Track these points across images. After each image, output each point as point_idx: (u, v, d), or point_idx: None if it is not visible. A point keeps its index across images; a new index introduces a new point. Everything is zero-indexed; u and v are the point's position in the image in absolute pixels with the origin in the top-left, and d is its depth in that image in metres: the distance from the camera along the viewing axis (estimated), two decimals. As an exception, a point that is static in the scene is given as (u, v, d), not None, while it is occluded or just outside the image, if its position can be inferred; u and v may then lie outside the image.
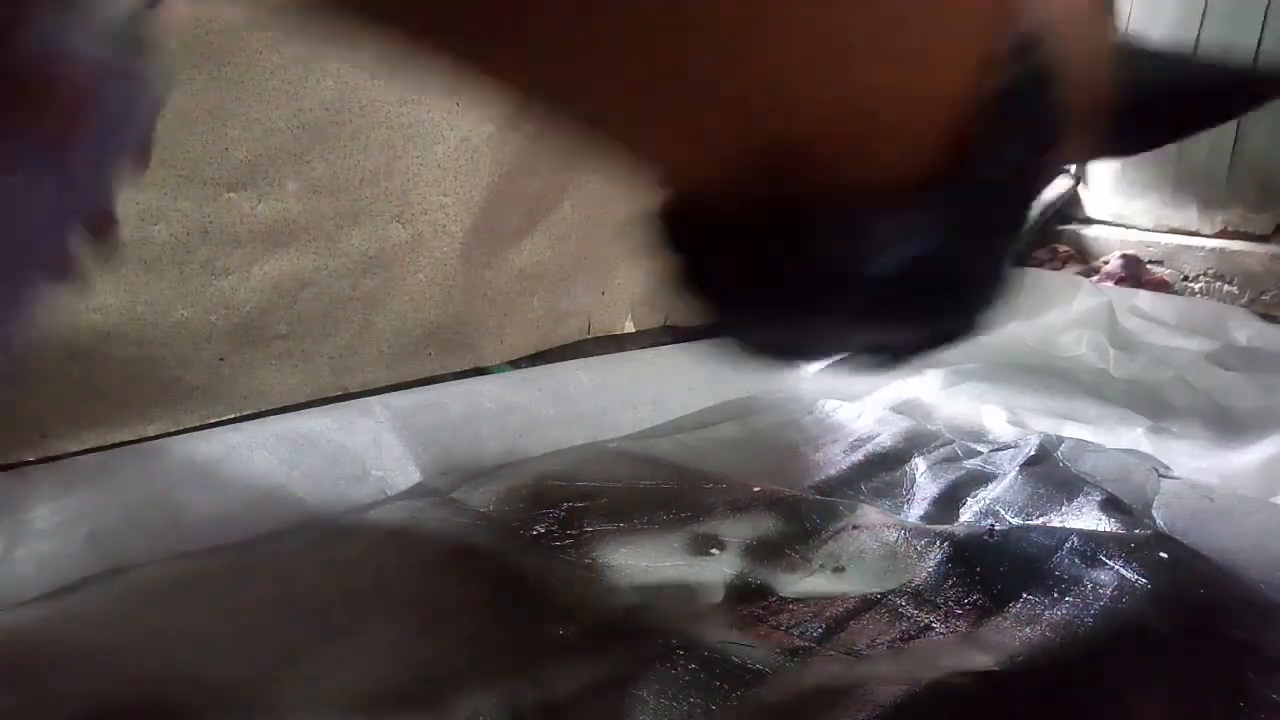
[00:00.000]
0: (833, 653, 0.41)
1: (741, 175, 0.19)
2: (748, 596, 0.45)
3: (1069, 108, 0.21)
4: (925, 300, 0.20)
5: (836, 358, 0.21)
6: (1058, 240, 1.40)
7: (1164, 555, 0.50)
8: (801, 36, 0.17)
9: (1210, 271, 1.27)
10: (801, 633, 0.42)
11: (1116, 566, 0.48)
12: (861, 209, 0.19)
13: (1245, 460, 0.68)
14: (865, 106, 0.18)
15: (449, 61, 0.17)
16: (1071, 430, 0.71)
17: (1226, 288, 1.25)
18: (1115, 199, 1.40)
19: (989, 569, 0.48)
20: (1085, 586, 0.47)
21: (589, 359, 0.78)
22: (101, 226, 0.34)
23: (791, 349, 0.22)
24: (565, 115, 0.18)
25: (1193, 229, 1.32)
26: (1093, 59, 0.24)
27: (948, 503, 0.57)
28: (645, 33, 0.16)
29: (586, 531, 0.51)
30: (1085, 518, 0.55)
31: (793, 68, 0.17)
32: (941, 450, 0.65)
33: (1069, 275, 1.13)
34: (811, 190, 0.19)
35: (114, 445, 0.54)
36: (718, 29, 0.16)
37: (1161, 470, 0.64)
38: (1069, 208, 1.43)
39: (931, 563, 0.49)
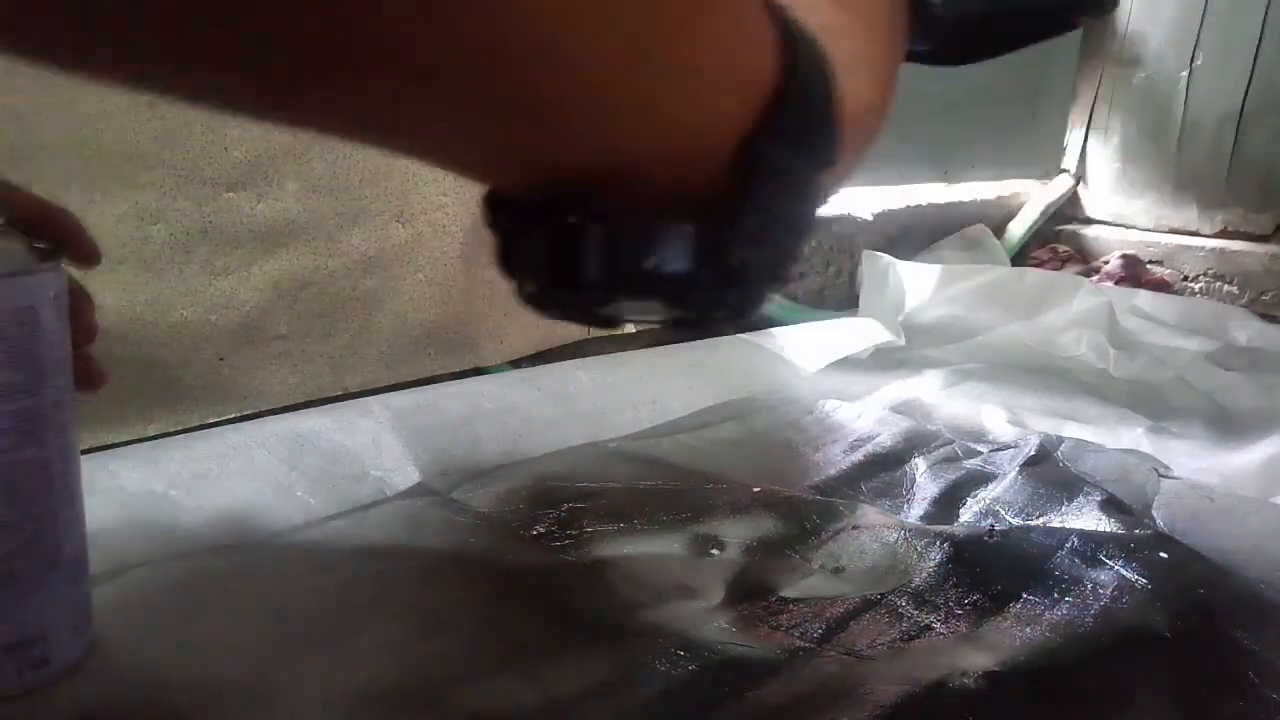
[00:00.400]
0: (833, 653, 0.41)
1: (549, 187, 0.21)
2: (748, 596, 0.45)
3: (851, 115, 0.23)
4: (715, 293, 0.23)
5: (643, 320, 0.25)
6: (1057, 240, 1.40)
7: (1164, 555, 0.50)
8: (609, 77, 0.18)
9: (1210, 271, 1.27)
10: (801, 633, 0.42)
11: (1116, 566, 0.48)
12: (659, 220, 0.21)
13: (1245, 460, 0.68)
14: (663, 133, 0.20)
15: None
16: (1071, 430, 0.71)
17: (1226, 288, 1.25)
18: (1115, 199, 1.40)
19: (989, 569, 0.48)
20: (1085, 586, 0.47)
21: (589, 359, 0.78)
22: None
23: (598, 320, 0.25)
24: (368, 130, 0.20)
25: (1193, 229, 1.32)
26: (880, 54, 0.26)
27: (948, 503, 0.57)
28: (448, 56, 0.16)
29: (586, 531, 0.51)
30: (1085, 518, 0.55)
31: (599, 100, 0.19)
32: (941, 450, 0.65)
33: (1069, 275, 1.13)
34: (613, 204, 0.21)
35: (114, 445, 0.54)
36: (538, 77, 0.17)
37: (1161, 470, 0.64)
38: (1069, 208, 1.43)
39: (931, 563, 0.49)
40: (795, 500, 0.56)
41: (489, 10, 0.16)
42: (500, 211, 0.24)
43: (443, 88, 0.17)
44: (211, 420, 0.60)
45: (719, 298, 0.23)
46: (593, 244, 0.21)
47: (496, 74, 0.17)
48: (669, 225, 0.21)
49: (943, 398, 0.79)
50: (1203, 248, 1.28)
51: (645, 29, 0.18)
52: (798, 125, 0.22)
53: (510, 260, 0.24)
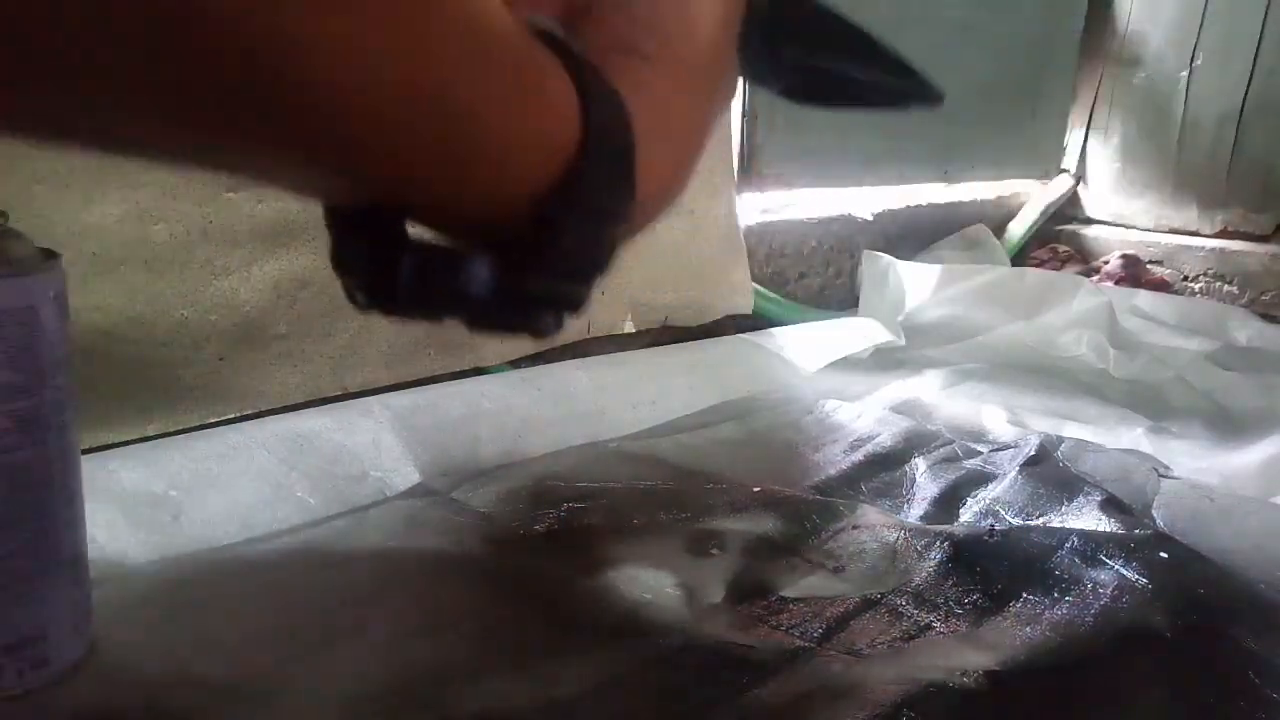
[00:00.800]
0: (833, 653, 0.41)
1: (374, 208, 0.25)
2: (748, 596, 0.45)
3: (650, 178, 0.26)
4: (511, 316, 0.26)
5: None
6: (1058, 240, 1.40)
7: (1164, 555, 0.50)
8: (417, 141, 0.21)
9: (1210, 271, 1.27)
10: (801, 632, 0.42)
11: (1116, 566, 0.48)
12: (468, 249, 0.25)
13: (1245, 460, 0.68)
14: (468, 189, 0.23)
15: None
16: (1071, 430, 0.71)
17: (1226, 288, 1.25)
18: (1115, 199, 1.40)
19: (989, 569, 0.48)
20: (1085, 586, 0.47)
21: (589, 359, 0.78)
22: None
23: (417, 319, 0.28)
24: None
25: (1193, 229, 1.32)
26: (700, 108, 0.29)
27: (948, 503, 0.57)
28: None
29: (586, 531, 0.51)
30: (1085, 518, 0.55)
31: (412, 168, 0.21)
32: (941, 450, 0.65)
33: (1069, 275, 1.13)
34: (430, 227, 0.25)
35: (114, 445, 0.54)
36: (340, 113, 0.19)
37: (1161, 470, 0.64)
38: (1069, 208, 1.43)
39: (931, 563, 0.49)
40: (795, 500, 0.56)
41: (301, 77, 0.18)
42: (334, 215, 0.26)
43: (283, 144, 0.20)
44: (211, 420, 0.60)
45: (515, 320, 0.26)
46: (406, 265, 0.25)
47: (312, 133, 0.19)
48: (474, 255, 0.24)
49: (943, 398, 0.79)
50: (1203, 248, 1.28)
51: (455, 114, 0.21)
52: (593, 193, 0.24)
53: (339, 261, 0.26)
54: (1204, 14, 1.28)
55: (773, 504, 0.55)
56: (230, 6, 0.16)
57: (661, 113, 0.26)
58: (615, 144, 0.24)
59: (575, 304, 0.27)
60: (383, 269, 0.25)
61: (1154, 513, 0.57)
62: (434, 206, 0.24)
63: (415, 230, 0.26)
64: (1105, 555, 0.49)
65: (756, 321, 0.94)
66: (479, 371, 0.74)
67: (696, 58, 0.28)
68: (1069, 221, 1.42)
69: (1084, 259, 1.36)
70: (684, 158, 0.29)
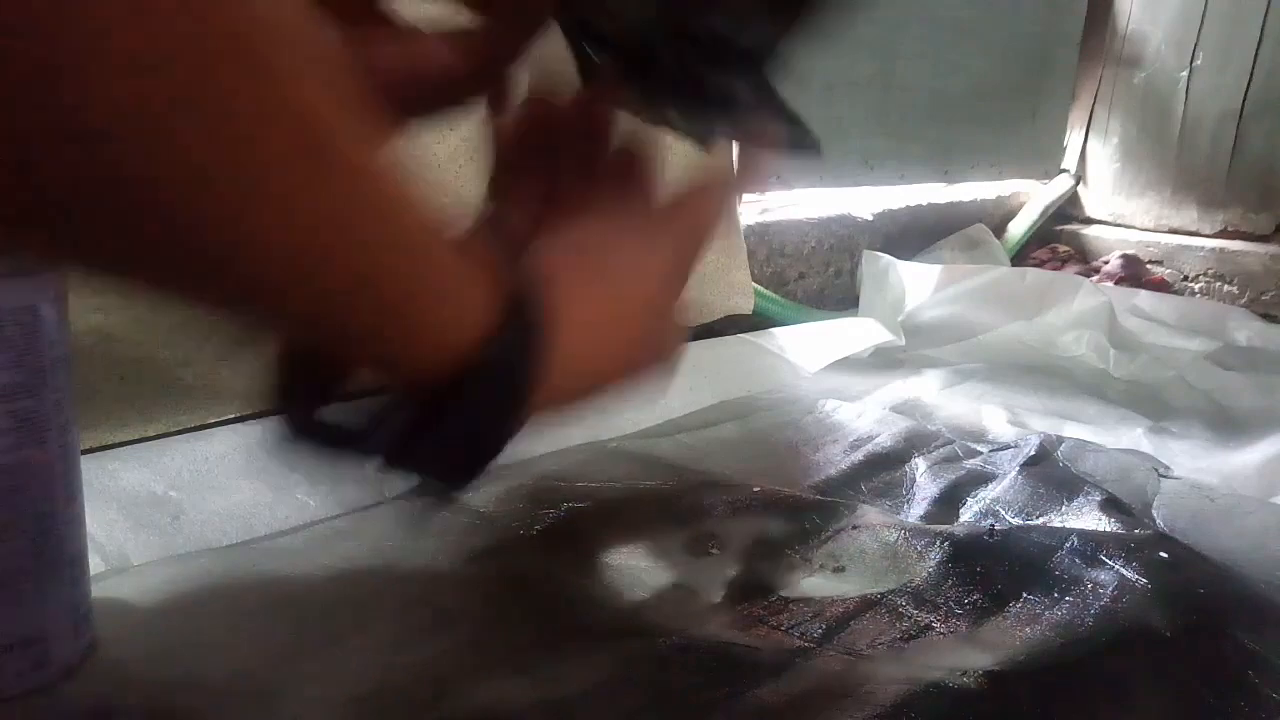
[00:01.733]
0: (833, 653, 0.41)
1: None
2: (748, 596, 0.45)
3: (567, 373, 0.30)
4: (425, 465, 0.30)
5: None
6: (1058, 240, 1.40)
7: (1164, 555, 0.50)
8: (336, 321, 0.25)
9: (1210, 271, 1.27)
10: (801, 633, 0.42)
11: (1116, 566, 0.48)
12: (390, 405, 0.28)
13: (1245, 460, 0.68)
14: (392, 362, 0.27)
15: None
16: (1071, 430, 0.71)
17: (1226, 288, 1.25)
18: (1115, 199, 1.40)
19: (989, 569, 0.48)
20: (1085, 586, 0.47)
21: (589, 359, 0.78)
22: None
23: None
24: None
25: (1193, 229, 1.32)
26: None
27: (948, 503, 0.57)
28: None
29: (586, 531, 0.51)
30: (1085, 518, 0.55)
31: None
32: (941, 450, 0.65)
33: (1069, 275, 1.13)
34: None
35: (114, 445, 0.54)
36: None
37: (1161, 470, 0.64)
38: (1069, 207, 1.43)
39: (931, 563, 0.49)
40: (795, 500, 0.56)
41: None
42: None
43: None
44: (211, 420, 0.60)
45: (416, 470, 0.30)
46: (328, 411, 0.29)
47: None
48: (380, 420, 0.28)
49: (943, 398, 0.79)
50: (1203, 248, 1.28)
51: (378, 308, 0.24)
52: (489, 387, 0.28)
53: (278, 394, 0.30)
54: (1204, 14, 1.28)
55: (773, 504, 0.55)
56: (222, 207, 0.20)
57: (595, 329, 0.31)
58: (518, 353, 0.28)
59: (479, 467, 0.30)
60: (308, 410, 0.29)
61: (1154, 513, 0.57)
62: (347, 359, 0.28)
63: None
64: (1105, 555, 0.49)
65: (756, 321, 0.94)
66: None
67: (638, 301, 0.33)
68: (1069, 221, 1.42)
69: (1084, 259, 1.36)
70: (617, 363, 0.33)
